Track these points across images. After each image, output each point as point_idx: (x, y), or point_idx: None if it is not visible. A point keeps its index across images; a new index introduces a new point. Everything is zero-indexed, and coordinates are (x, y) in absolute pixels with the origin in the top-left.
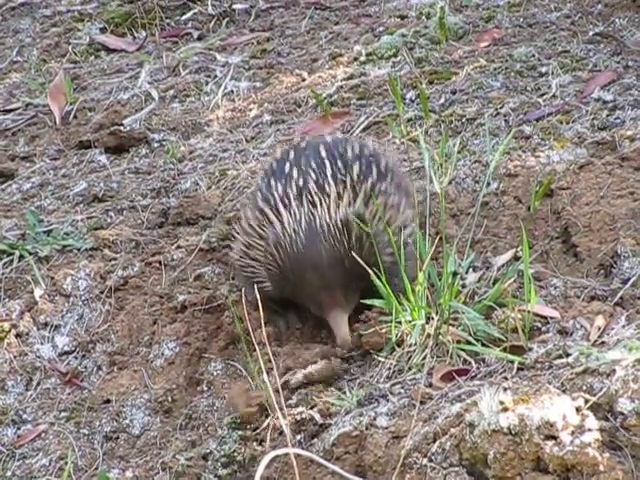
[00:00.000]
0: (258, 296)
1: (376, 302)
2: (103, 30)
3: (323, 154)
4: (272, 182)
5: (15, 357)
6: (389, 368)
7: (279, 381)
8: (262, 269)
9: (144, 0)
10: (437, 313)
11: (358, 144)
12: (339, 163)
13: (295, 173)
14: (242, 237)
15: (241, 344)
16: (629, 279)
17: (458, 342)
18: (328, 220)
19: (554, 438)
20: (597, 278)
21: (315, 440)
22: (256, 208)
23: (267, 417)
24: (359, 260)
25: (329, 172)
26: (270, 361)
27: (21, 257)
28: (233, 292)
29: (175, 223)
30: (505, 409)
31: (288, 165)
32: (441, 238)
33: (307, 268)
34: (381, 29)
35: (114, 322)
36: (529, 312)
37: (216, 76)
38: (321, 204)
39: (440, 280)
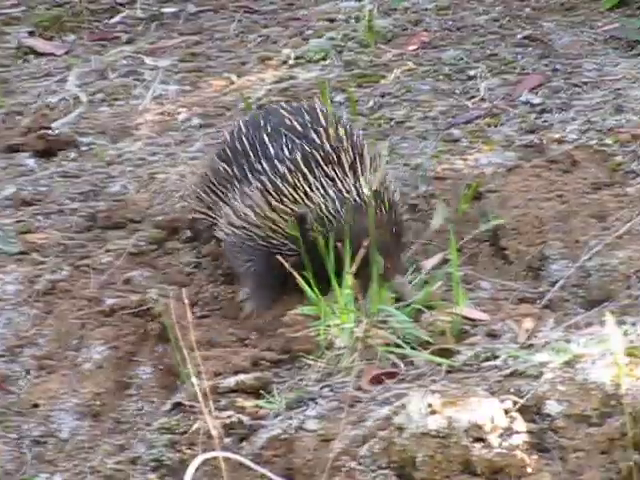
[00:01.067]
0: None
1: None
2: (31, 34)
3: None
4: (259, 161)
5: None
6: (318, 371)
7: (206, 385)
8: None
9: (72, 3)
10: (366, 316)
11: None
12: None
13: (284, 149)
14: (251, 220)
15: (170, 348)
16: (557, 282)
17: (387, 345)
18: (366, 187)
19: (482, 440)
20: (525, 281)
21: (244, 443)
22: (264, 189)
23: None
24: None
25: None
26: (199, 365)
27: None
28: (162, 296)
29: (104, 227)
30: (433, 412)
31: (264, 140)
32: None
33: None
34: (310, 32)
35: (42, 326)
36: (458, 315)
37: (145, 79)
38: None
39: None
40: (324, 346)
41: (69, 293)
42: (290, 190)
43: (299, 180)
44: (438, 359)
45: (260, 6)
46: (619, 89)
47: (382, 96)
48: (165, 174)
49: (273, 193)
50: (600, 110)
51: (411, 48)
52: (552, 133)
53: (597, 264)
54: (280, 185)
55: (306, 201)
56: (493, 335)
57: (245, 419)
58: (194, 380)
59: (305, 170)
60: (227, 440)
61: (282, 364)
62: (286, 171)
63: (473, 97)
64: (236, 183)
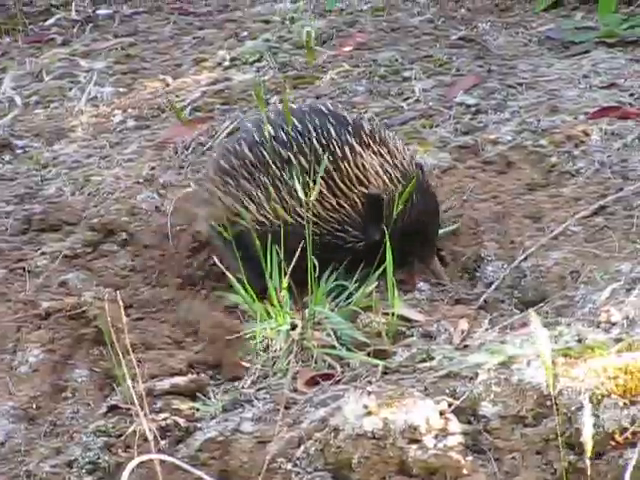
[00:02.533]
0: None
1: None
2: None
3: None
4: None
5: None
6: (254, 373)
7: (141, 387)
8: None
9: (7, 6)
10: (302, 318)
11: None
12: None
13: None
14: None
15: (106, 350)
16: (492, 283)
17: (323, 347)
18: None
19: (418, 442)
20: (461, 282)
21: (180, 446)
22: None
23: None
24: None
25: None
26: (135, 367)
27: None
28: (98, 298)
29: (39, 229)
30: (369, 413)
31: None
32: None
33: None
34: (245, 34)
35: None
36: (393, 316)
37: (80, 82)
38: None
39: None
40: (260, 348)
41: (4, 296)
42: (354, 170)
43: (357, 159)
44: (374, 360)
45: (195, 8)
46: (554, 90)
47: (317, 97)
48: (100, 176)
49: (335, 176)
50: (535, 111)
51: (346, 50)
52: (487, 134)
53: (532, 265)
54: (343, 166)
55: (372, 180)
56: (429, 336)
57: (181, 421)
58: (129, 383)
59: (359, 149)
60: (163, 442)
61: (218, 367)
62: (347, 150)
63: (408, 98)
64: (277, 174)
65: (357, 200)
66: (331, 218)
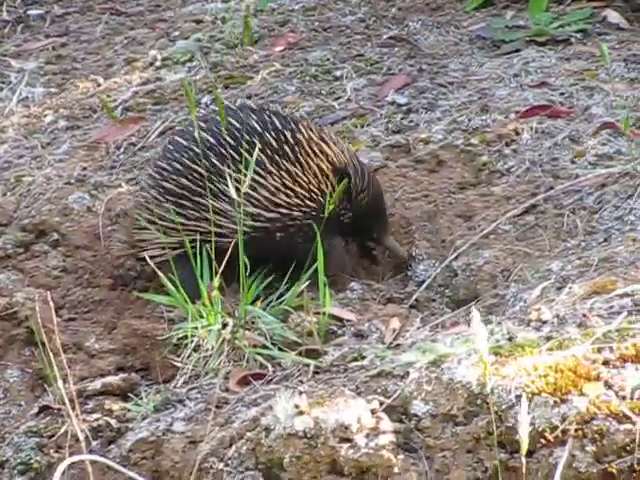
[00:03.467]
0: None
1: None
2: None
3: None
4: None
5: None
6: (186, 373)
7: (73, 388)
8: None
9: None
10: (233, 317)
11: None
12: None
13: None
14: (291, 200)
15: (38, 351)
16: (424, 281)
17: (254, 346)
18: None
19: (349, 441)
20: (393, 281)
21: (112, 446)
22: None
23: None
24: None
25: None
26: (66, 368)
27: None
28: (29, 299)
29: None
30: (300, 412)
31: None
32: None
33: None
34: (177, 34)
35: None
36: (325, 315)
37: (11, 82)
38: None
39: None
40: (191, 348)
41: None
42: (314, 153)
43: (312, 145)
44: (305, 360)
45: (127, 8)
46: (485, 89)
47: (249, 97)
48: (32, 177)
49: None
50: (466, 110)
51: (278, 49)
52: (418, 133)
53: (463, 264)
54: (302, 150)
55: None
56: (360, 335)
57: (113, 422)
58: (60, 383)
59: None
60: (95, 443)
61: (146, 370)
62: (300, 137)
63: (339, 98)
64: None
65: (326, 179)
66: (313, 199)
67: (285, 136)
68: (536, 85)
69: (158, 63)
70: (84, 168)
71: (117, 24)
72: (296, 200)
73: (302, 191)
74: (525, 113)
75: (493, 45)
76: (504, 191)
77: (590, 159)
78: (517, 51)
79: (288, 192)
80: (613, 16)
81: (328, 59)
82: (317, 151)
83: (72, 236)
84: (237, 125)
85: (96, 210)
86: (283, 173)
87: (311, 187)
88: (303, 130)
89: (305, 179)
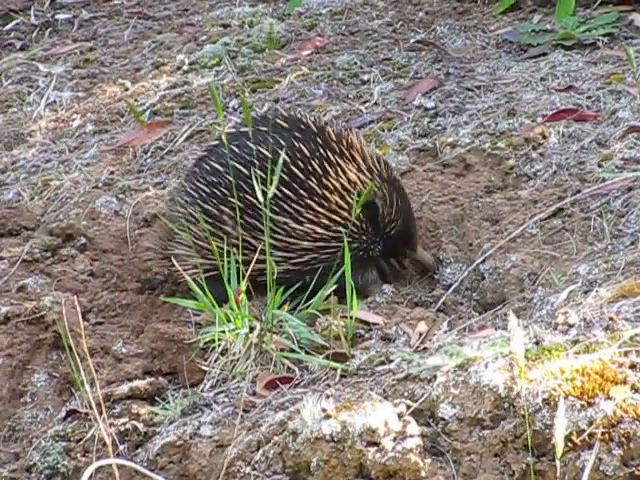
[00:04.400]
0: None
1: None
2: None
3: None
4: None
5: None
6: (213, 377)
7: (100, 392)
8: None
9: None
10: (261, 321)
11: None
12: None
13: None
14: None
15: (65, 355)
16: (451, 285)
17: (282, 350)
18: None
19: (376, 444)
20: (420, 284)
21: (139, 450)
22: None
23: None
24: None
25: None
26: (93, 372)
27: None
28: (57, 303)
29: None
30: (328, 416)
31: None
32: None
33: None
34: (204, 38)
35: None
36: (352, 319)
37: (39, 86)
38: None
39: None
40: (219, 352)
41: None
42: (340, 183)
43: (339, 172)
44: (333, 364)
45: (154, 12)
46: (511, 93)
47: (276, 101)
48: (59, 181)
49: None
50: (493, 114)
51: (305, 53)
52: (445, 137)
53: (490, 267)
54: (329, 183)
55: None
56: (387, 339)
57: (140, 426)
58: (88, 387)
59: (336, 159)
60: (122, 447)
61: (174, 374)
62: (327, 166)
63: (367, 101)
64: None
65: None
66: (335, 234)
67: (313, 167)
68: (563, 89)
69: (186, 67)
70: (111, 172)
71: (145, 28)
72: (322, 240)
73: (327, 232)
74: (552, 117)
75: (520, 49)
76: (531, 195)
77: (617, 163)
78: (544, 55)
79: (314, 232)
80: None
81: (355, 63)
82: (345, 183)
83: (99, 240)
84: (266, 153)
85: (123, 214)
86: (310, 212)
87: (337, 226)
88: (331, 156)
89: (331, 217)
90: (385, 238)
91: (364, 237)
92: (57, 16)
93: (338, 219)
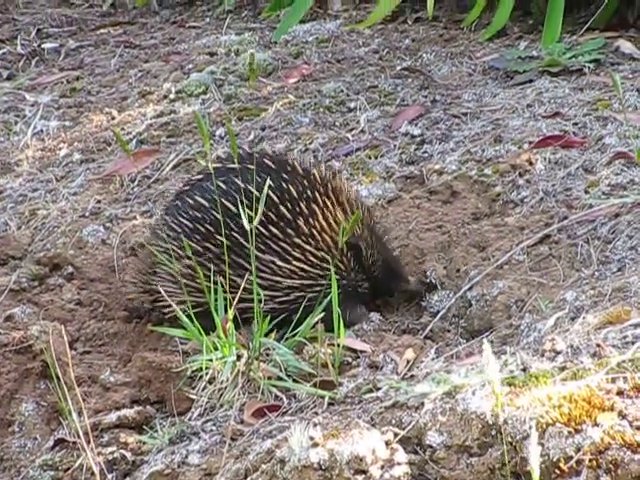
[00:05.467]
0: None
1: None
2: None
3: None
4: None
5: None
6: (201, 406)
7: (87, 421)
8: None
9: None
10: (248, 349)
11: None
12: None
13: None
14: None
15: (53, 384)
16: (438, 312)
17: (269, 378)
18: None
19: (364, 472)
20: (407, 312)
21: (127, 479)
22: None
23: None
24: None
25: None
26: (81, 401)
27: None
28: (44, 332)
29: None
30: (315, 444)
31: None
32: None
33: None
34: (191, 66)
35: None
36: (339, 346)
37: (25, 115)
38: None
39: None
40: (206, 380)
41: None
42: (327, 224)
43: (326, 213)
44: (320, 391)
45: (141, 41)
46: (498, 119)
47: (263, 129)
48: (46, 210)
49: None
50: (479, 140)
51: (291, 81)
52: (432, 164)
53: (478, 294)
54: (316, 223)
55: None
56: (375, 366)
57: (128, 455)
58: (75, 416)
59: (323, 201)
60: (110, 476)
61: (161, 403)
62: (315, 208)
63: (353, 129)
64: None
65: (337, 251)
66: (322, 272)
67: (300, 208)
68: (549, 115)
69: (172, 96)
70: (98, 201)
71: (131, 57)
72: (309, 278)
73: (314, 270)
74: (538, 143)
75: (506, 76)
76: (518, 221)
77: (604, 189)
78: (530, 81)
79: (302, 270)
80: (626, 46)
81: (342, 90)
82: (332, 222)
83: (87, 269)
84: (255, 192)
85: (111, 243)
86: (296, 251)
87: (324, 264)
88: (318, 197)
89: (318, 254)
90: (371, 278)
91: (352, 275)
92: (44, 45)
93: (326, 256)
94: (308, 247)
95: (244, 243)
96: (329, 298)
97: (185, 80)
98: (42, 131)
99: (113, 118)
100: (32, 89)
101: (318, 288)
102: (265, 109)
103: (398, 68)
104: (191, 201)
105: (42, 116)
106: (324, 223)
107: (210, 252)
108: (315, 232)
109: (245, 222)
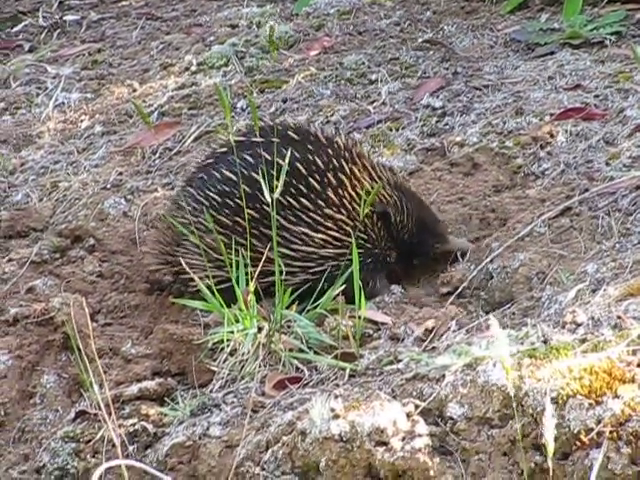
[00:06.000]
0: None
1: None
2: None
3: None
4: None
5: None
6: (222, 378)
7: (109, 393)
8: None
9: None
10: (269, 321)
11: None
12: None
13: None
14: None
15: (74, 356)
16: (459, 285)
17: (290, 350)
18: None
19: (385, 444)
20: (429, 284)
21: (149, 451)
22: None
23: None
24: None
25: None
26: (102, 374)
27: None
28: (66, 304)
29: (6, 236)
30: (336, 416)
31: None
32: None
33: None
34: (212, 39)
35: None
36: (360, 318)
37: (47, 88)
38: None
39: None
40: (227, 352)
41: None
42: (355, 192)
43: (353, 182)
44: (341, 363)
45: (162, 13)
46: (519, 92)
47: (284, 101)
48: (68, 182)
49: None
50: (500, 113)
51: (313, 53)
52: (453, 136)
53: (499, 266)
54: (346, 192)
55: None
56: (396, 338)
57: (149, 427)
58: (97, 388)
59: (350, 170)
60: (131, 448)
61: (182, 375)
62: (343, 177)
63: (375, 101)
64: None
65: (368, 220)
66: (362, 241)
67: (329, 178)
68: (571, 88)
69: (194, 68)
70: (120, 173)
71: (153, 29)
72: (343, 247)
73: (347, 238)
74: (560, 116)
75: (528, 48)
76: (539, 194)
77: (625, 161)
78: (552, 54)
79: (335, 240)
80: None
81: (363, 63)
82: (360, 191)
83: (108, 241)
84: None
85: (132, 215)
86: (329, 221)
87: (356, 232)
88: (345, 166)
89: (350, 223)
90: (402, 244)
91: (383, 243)
92: (65, 17)
93: (358, 225)
94: (339, 216)
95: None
96: (350, 270)
97: (206, 52)
98: (63, 103)
99: (134, 90)
100: (54, 61)
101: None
102: (286, 81)
103: (419, 40)
104: (218, 175)
105: (63, 88)
106: (353, 192)
107: (239, 226)
108: (346, 202)
109: (268, 194)
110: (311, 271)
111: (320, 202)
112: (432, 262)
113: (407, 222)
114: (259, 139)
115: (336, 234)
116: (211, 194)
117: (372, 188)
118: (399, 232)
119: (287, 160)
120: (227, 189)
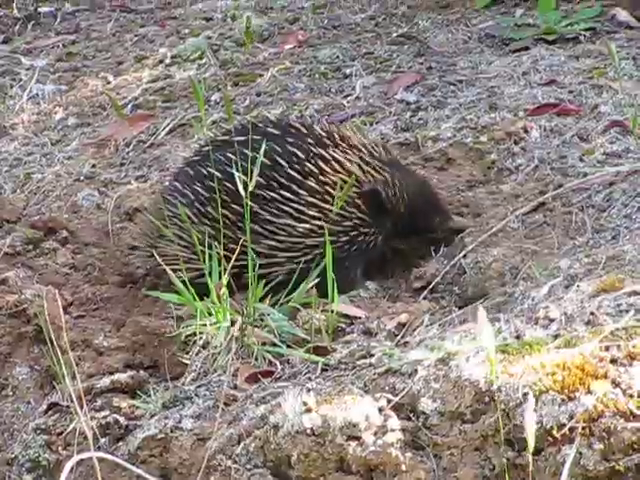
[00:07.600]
0: None
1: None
2: None
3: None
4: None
5: None
6: (194, 370)
7: (81, 385)
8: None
9: None
10: (242, 315)
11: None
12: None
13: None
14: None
15: (46, 348)
16: (432, 280)
17: (263, 344)
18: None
19: (357, 439)
20: (402, 279)
21: (120, 443)
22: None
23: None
24: None
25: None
26: (74, 366)
27: None
28: (38, 296)
29: None
30: (308, 410)
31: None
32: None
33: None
34: (187, 31)
35: None
36: (333, 312)
37: (21, 79)
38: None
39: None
40: (200, 345)
41: None
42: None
43: (335, 165)
44: (314, 357)
45: (136, 5)
46: (493, 87)
47: (258, 95)
48: (41, 174)
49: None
50: (475, 108)
51: (287, 47)
52: (427, 131)
53: (472, 261)
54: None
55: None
56: (369, 332)
57: (121, 419)
58: (69, 381)
59: (330, 155)
60: (103, 440)
61: (154, 368)
62: (321, 163)
63: (349, 95)
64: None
65: (356, 201)
66: (342, 227)
67: (309, 167)
68: (545, 83)
69: (168, 61)
70: (93, 165)
71: (127, 22)
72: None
73: (334, 227)
74: (534, 111)
75: (502, 43)
76: (513, 189)
77: (599, 157)
78: (526, 49)
79: (318, 227)
80: (622, 14)
81: (337, 57)
82: (344, 177)
83: (81, 233)
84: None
85: (105, 207)
86: (312, 210)
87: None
88: (325, 153)
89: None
90: (401, 218)
91: (369, 229)
92: (40, 9)
93: (344, 213)
94: (322, 205)
95: (258, 211)
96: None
97: (181, 45)
98: (37, 95)
99: (108, 82)
100: (28, 53)
101: (339, 244)
102: (261, 75)
103: (394, 35)
104: (204, 171)
105: (38, 80)
106: (335, 178)
107: (228, 220)
108: (329, 189)
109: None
110: (297, 261)
111: (302, 192)
112: (406, 256)
113: (400, 195)
114: (241, 138)
115: (321, 223)
116: (198, 189)
117: (360, 168)
118: (394, 206)
119: (267, 155)
120: (213, 185)
